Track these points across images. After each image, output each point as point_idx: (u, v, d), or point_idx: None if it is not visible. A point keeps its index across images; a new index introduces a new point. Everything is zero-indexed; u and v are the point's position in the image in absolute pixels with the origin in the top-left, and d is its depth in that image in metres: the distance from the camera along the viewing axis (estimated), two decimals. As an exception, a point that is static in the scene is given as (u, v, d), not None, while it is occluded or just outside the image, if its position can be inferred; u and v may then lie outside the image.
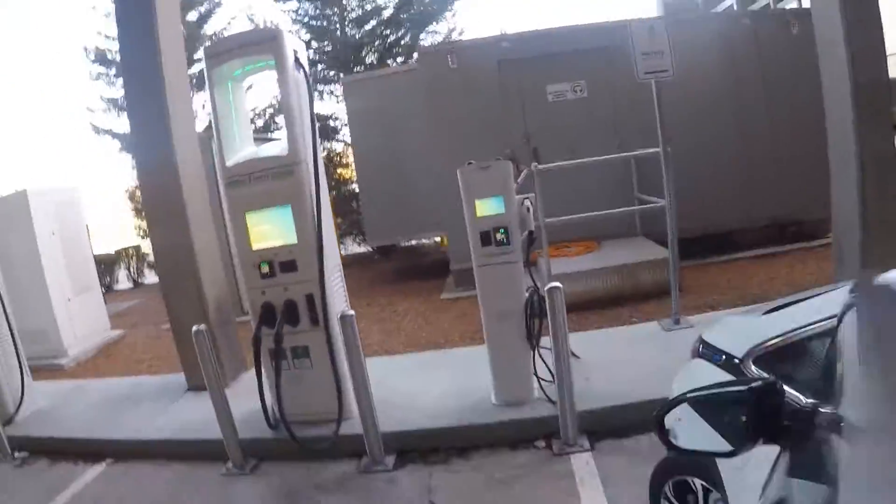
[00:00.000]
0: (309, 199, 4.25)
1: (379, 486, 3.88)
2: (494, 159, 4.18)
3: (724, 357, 2.30)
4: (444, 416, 4.35)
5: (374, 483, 3.92)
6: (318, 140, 4.45)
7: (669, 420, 1.59)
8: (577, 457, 3.84)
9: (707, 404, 1.53)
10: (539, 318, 4.29)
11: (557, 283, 3.82)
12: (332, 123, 14.79)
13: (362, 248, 13.25)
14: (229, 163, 4.40)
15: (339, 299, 4.51)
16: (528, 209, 4.20)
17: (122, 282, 15.00)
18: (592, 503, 3.38)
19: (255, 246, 4.36)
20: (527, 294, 4.28)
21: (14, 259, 7.02)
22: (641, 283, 6.91)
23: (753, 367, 2.05)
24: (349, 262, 12.19)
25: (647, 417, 3.95)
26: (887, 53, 4.95)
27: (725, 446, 1.51)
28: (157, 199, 5.51)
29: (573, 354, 4.24)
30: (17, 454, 4.94)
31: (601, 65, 8.25)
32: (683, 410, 1.56)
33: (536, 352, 4.35)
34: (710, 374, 2.36)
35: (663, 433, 1.60)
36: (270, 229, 4.34)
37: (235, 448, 4.31)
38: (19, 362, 5.48)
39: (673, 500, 2.49)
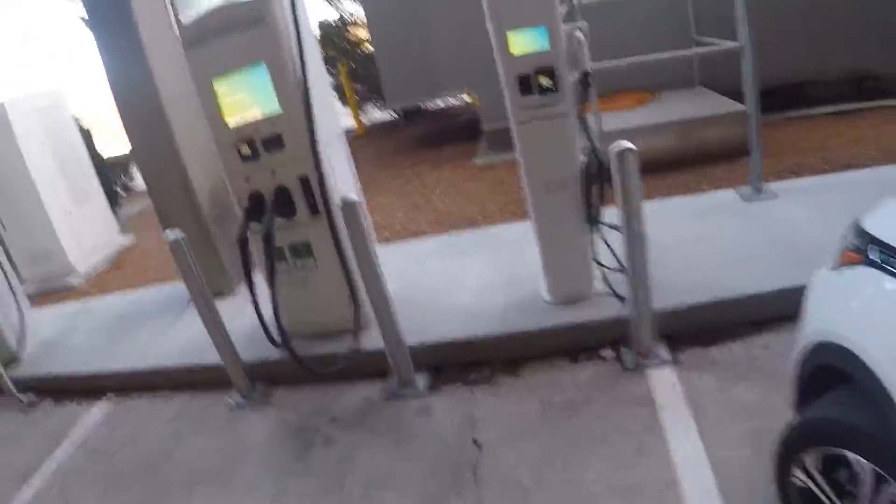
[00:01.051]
0: (289, 52, 3.24)
1: (408, 418, 3.10)
2: None
3: None
4: (486, 318, 3.50)
5: (403, 414, 3.14)
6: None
7: None
8: (656, 373, 2.95)
9: None
10: (600, 189, 3.31)
11: (630, 144, 2.78)
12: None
13: (385, 115, 11.95)
14: (185, 19, 3.42)
15: (344, 178, 3.61)
16: (580, 42, 3.11)
17: (140, 183, 14.26)
18: (683, 448, 2.46)
19: (230, 121, 3.43)
20: (583, 158, 3.27)
21: (2, 179, 6.28)
22: (708, 142, 5.76)
23: None
24: (370, 132, 11.08)
25: (739, 318, 2.83)
26: None
27: None
28: (122, 76, 4.47)
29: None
30: (23, 397, 4.30)
31: None
32: None
33: (597, 232, 3.43)
34: None
35: None
36: (245, 98, 3.37)
37: (238, 374, 3.59)
38: (13, 292, 4.74)
39: (817, 477, 1.69)
